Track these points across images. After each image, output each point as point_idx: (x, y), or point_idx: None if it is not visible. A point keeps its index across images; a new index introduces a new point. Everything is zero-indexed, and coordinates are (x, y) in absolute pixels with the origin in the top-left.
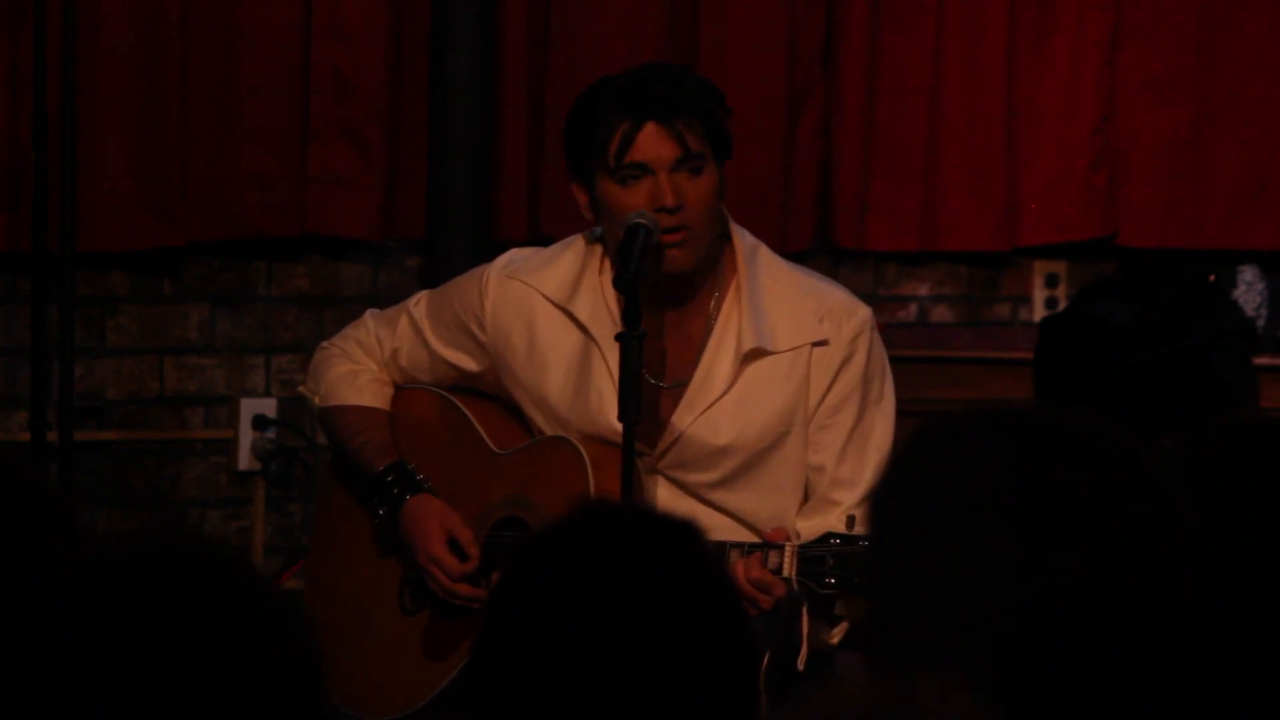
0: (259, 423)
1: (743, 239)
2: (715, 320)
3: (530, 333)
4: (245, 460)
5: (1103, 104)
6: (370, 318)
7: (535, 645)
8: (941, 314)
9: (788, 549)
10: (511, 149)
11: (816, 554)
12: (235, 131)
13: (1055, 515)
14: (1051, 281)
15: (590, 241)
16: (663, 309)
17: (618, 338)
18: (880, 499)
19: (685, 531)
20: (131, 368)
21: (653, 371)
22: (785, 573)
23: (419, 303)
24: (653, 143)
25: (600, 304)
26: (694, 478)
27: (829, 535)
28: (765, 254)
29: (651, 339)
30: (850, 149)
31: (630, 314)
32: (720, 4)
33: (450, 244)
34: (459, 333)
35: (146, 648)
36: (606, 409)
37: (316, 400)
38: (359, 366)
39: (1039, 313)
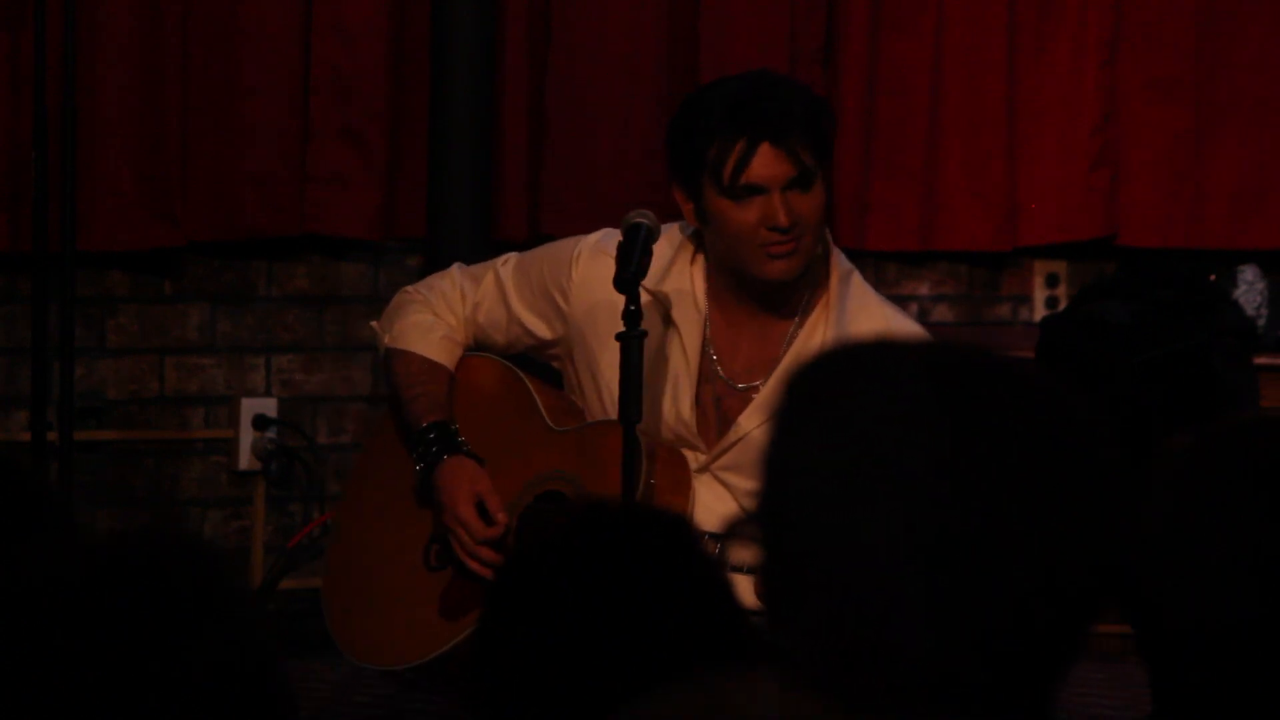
0: (259, 423)
1: (840, 261)
2: (799, 331)
3: (614, 311)
4: (245, 460)
5: (1103, 104)
6: (457, 270)
7: (530, 645)
8: (942, 314)
9: None
10: (511, 149)
11: None
12: (235, 131)
13: (975, 449)
14: (1051, 281)
15: (685, 232)
16: (751, 309)
17: (618, 337)
18: (779, 435)
19: (679, 530)
20: (131, 368)
21: (727, 369)
22: None
23: (507, 262)
24: (768, 164)
25: (688, 294)
26: (745, 484)
27: None
28: (858, 280)
29: (734, 336)
30: (850, 149)
31: (630, 314)
32: (720, 4)
33: (450, 244)
34: (541, 298)
35: (91, 649)
36: (679, 396)
37: (386, 339)
38: (436, 320)
39: (1039, 313)
